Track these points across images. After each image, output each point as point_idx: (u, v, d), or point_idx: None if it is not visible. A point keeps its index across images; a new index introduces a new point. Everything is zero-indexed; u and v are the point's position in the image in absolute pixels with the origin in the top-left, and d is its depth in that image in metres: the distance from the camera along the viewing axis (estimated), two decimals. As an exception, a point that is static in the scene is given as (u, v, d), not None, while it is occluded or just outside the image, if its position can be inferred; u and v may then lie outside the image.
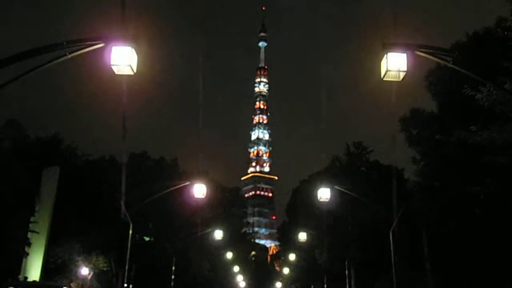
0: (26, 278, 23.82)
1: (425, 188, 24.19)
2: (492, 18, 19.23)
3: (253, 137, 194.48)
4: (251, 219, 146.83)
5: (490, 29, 19.55)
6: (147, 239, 41.58)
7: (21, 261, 25.14)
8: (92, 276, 32.03)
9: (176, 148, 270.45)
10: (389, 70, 9.46)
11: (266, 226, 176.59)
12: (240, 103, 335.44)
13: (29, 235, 25.25)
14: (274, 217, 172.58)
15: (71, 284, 29.76)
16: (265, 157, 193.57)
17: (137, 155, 44.55)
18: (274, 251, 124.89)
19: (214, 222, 45.36)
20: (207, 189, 23.71)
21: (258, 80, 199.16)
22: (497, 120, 14.40)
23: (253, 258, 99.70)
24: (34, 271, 24.86)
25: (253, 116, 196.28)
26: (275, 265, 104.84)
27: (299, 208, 51.77)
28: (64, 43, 9.35)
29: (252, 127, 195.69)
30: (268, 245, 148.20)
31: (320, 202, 24.25)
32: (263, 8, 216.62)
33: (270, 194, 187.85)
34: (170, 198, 32.21)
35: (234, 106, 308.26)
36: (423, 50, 9.69)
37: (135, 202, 24.50)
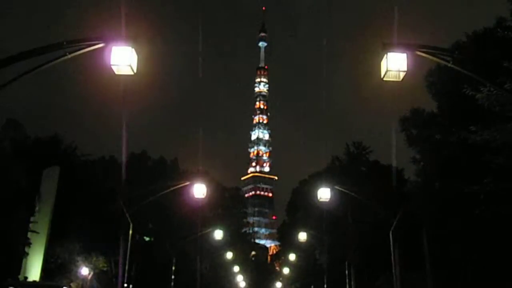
0: (26, 278, 23.77)
1: (425, 188, 24.19)
2: (492, 18, 19.30)
3: (253, 137, 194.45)
4: (251, 219, 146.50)
5: (490, 29, 19.58)
6: (147, 239, 41.57)
7: (21, 261, 25.12)
8: (92, 276, 32.03)
9: (176, 148, 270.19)
10: (389, 70, 9.45)
11: (266, 226, 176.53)
12: (240, 103, 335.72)
13: (29, 235, 25.22)
14: (274, 217, 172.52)
15: (71, 284, 29.74)
16: (265, 157, 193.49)
17: (137, 155, 44.57)
18: (274, 251, 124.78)
19: (214, 222, 45.33)
20: (207, 189, 23.70)
21: (258, 80, 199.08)
22: (497, 120, 14.39)
23: (253, 258, 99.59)
24: (34, 271, 24.82)
25: (253, 116, 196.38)
26: (275, 265, 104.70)
27: (299, 208, 51.81)
28: (64, 43, 9.33)
29: (252, 127, 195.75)
30: (268, 245, 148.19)
31: (320, 202, 24.24)
32: (263, 8, 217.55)
33: (270, 194, 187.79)
34: (170, 198, 32.19)
35: (234, 106, 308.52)
36: (423, 50, 9.68)
37: (135, 202, 24.47)
